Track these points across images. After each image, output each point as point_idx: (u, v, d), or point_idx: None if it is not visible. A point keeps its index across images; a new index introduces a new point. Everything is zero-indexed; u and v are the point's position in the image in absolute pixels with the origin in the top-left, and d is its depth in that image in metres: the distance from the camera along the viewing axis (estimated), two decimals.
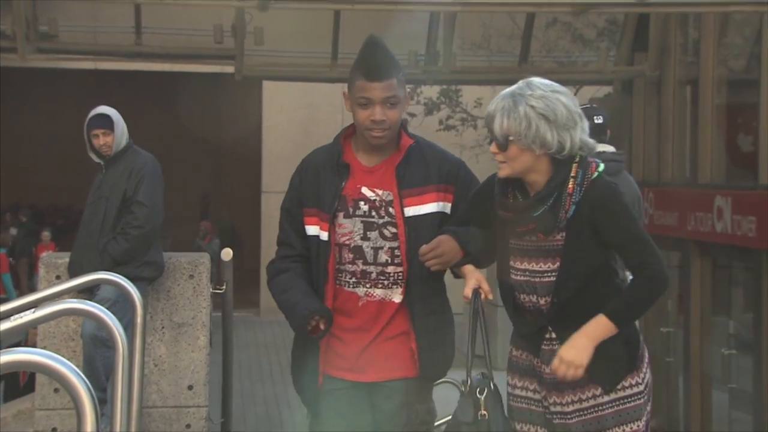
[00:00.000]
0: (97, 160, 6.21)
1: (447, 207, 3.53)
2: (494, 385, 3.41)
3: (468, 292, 3.40)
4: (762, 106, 10.10)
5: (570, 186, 3.21)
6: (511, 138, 3.21)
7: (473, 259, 3.46)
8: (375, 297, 3.51)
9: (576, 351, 3.17)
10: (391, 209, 3.50)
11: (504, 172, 3.26)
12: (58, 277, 6.06)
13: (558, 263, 3.23)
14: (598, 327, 3.18)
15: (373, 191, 3.52)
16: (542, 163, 3.24)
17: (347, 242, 3.53)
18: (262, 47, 12.00)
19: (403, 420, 3.46)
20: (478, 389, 3.35)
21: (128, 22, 12.12)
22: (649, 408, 3.34)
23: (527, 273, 3.29)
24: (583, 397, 3.28)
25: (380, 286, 3.51)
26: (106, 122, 6.14)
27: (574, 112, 3.26)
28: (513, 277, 3.33)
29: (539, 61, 13.92)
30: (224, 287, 6.51)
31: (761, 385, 9.91)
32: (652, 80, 12.15)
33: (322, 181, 3.58)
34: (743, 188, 10.40)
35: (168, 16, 12.98)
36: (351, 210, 3.53)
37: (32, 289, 14.70)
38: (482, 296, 3.39)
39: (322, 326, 3.46)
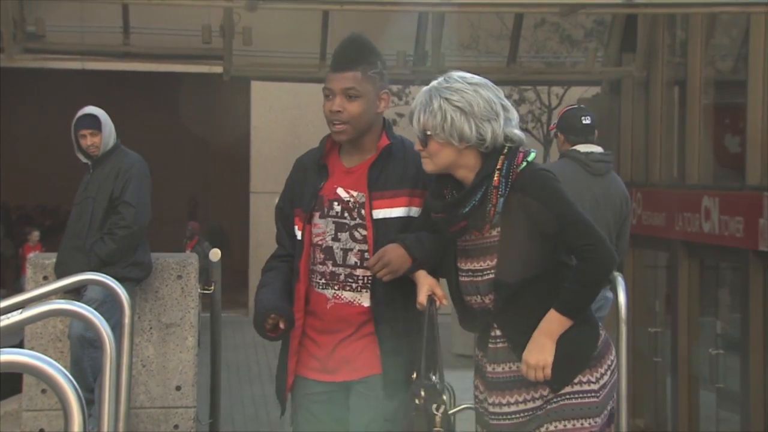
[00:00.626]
0: (84, 160, 6.20)
1: (416, 212, 3.45)
2: (450, 391, 3.34)
3: (422, 299, 3.31)
4: (749, 106, 10.13)
5: (495, 179, 3.16)
6: (428, 132, 3.20)
7: (424, 265, 3.37)
8: (343, 299, 3.47)
9: (538, 352, 3.12)
10: (363, 211, 3.46)
11: (428, 167, 3.24)
12: (45, 278, 6.05)
13: (495, 259, 3.18)
14: (552, 323, 3.11)
15: (348, 192, 3.50)
16: (469, 157, 3.20)
17: (320, 242, 3.51)
18: (251, 47, 11.99)
19: (370, 416, 3.43)
20: (434, 405, 3.26)
21: (116, 22, 12.10)
22: (605, 413, 3.18)
23: (469, 273, 3.25)
24: (528, 397, 3.19)
25: (348, 288, 3.46)
26: (93, 122, 6.14)
27: (495, 103, 3.20)
28: (459, 278, 3.29)
29: (527, 61, 13.93)
30: (212, 288, 6.50)
31: (749, 385, 9.94)
32: (639, 81, 12.18)
33: (307, 181, 3.58)
34: (731, 189, 10.43)
35: (156, 16, 12.95)
36: (326, 210, 3.52)
37: (19, 290, 14.67)
38: (437, 302, 3.32)
39: (281, 326, 3.45)
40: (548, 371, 3.12)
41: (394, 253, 3.35)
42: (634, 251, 11.74)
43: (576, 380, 3.16)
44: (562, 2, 10.16)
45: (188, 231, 18.95)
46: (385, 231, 3.41)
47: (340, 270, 3.47)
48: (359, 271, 3.46)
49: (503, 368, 3.23)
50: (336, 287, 3.48)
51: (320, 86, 3.59)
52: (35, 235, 19.92)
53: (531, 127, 18.94)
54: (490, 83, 3.26)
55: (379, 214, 3.44)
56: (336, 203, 3.50)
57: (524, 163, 3.19)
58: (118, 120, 6.27)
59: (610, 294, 5.98)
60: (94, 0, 11.27)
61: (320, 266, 3.50)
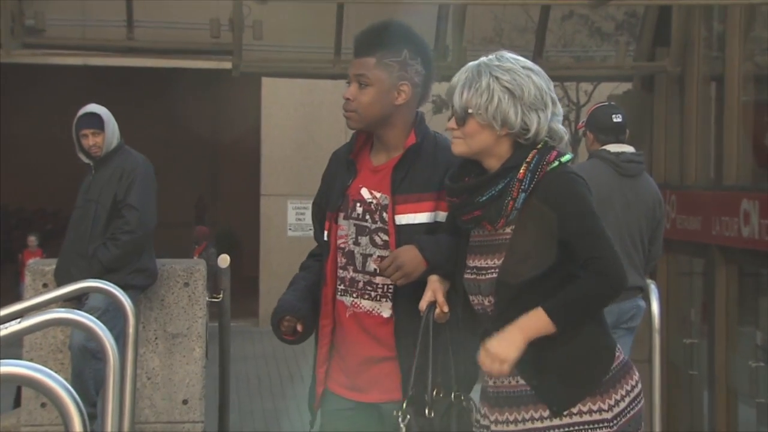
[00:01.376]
0: (86, 161, 6.22)
1: (443, 217, 3.37)
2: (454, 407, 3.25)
3: (422, 304, 3.23)
4: None
5: (521, 171, 3.08)
6: (470, 111, 3.11)
7: (439, 269, 3.28)
8: (361, 308, 3.43)
9: (503, 343, 2.98)
10: (385, 215, 3.41)
11: (459, 148, 3.16)
12: (45, 285, 6.07)
13: (502, 258, 3.09)
14: (532, 320, 2.97)
15: (371, 193, 3.45)
16: (503, 146, 3.13)
17: (343, 245, 3.48)
18: (261, 42, 12.01)
19: None
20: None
21: (119, 15, 12.14)
22: None
23: (474, 270, 3.16)
24: (527, 416, 3.06)
25: (367, 297, 3.42)
26: (95, 121, 6.16)
27: (546, 93, 3.14)
28: (464, 276, 3.20)
29: (555, 56, 13.93)
30: (221, 296, 6.51)
31: None
32: (674, 76, 12.14)
33: (337, 177, 3.55)
34: None
35: (161, 10, 13.01)
36: (349, 211, 3.48)
37: (18, 298, 14.72)
38: (437, 310, 3.23)
39: (298, 328, 3.44)
40: (506, 368, 2.98)
41: (408, 255, 3.29)
42: (668, 257, 11.70)
43: (586, 408, 3.01)
44: None
45: (195, 236, 19.01)
46: (408, 238, 3.35)
47: (360, 276, 3.44)
48: (379, 279, 3.41)
49: (503, 382, 3.12)
50: (354, 295, 3.45)
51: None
52: (33, 240, 19.98)
53: None
54: (542, 71, 3.19)
55: (402, 219, 3.39)
56: (359, 204, 3.46)
57: (556, 162, 3.10)
58: (121, 119, 6.29)
59: (642, 303, 5.97)
60: None
61: (341, 271, 3.47)
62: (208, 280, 6.34)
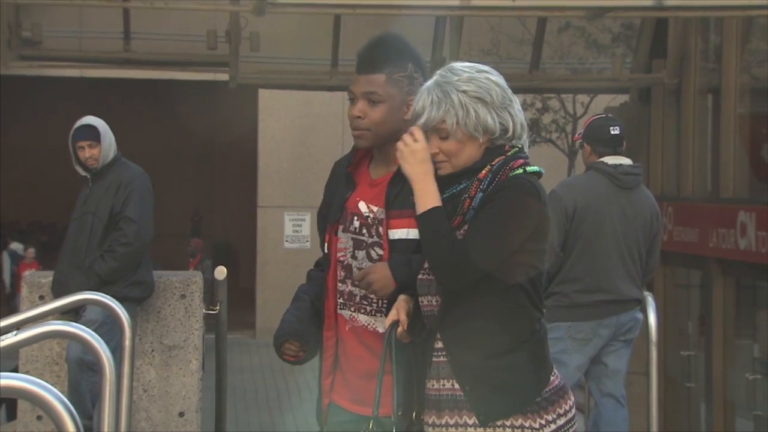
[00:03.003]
0: (83, 173, 6.22)
1: None
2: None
3: (386, 322, 3.22)
4: None
5: (483, 172, 3.12)
6: (448, 130, 3.13)
7: (408, 289, 3.28)
8: (358, 323, 3.43)
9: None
10: (381, 229, 3.41)
11: (446, 170, 3.17)
12: (41, 298, 6.06)
13: None
14: (428, 193, 3.12)
15: (369, 207, 3.45)
16: (480, 153, 3.16)
17: (342, 258, 3.48)
18: (258, 53, 12.01)
19: None
20: None
21: (116, 27, 12.15)
22: None
23: (426, 270, 3.18)
24: (460, 421, 3.10)
25: (363, 311, 3.42)
26: (92, 133, 6.15)
27: (506, 89, 3.19)
28: (418, 278, 3.22)
29: (551, 67, 13.94)
30: (218, 308, 6.50)
31: None
32: (671, 88, 12.15)
33: (337, 188, 3.56)
34: None
35: (158, 21, 13.01)
36: (348, 224, 3.49)
37: (14, 310, 14.71)
38: (399, 329, 3.20)
39: (301, 353, 3.44)
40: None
41: (379, 274, 3.31)
42: (665, 269, 11.70)
43: (518, 423, 3.03)
44: (588, 5, 10.16)
45: (190, 248, 19.00)
46: (401, 252, 3.35)
47: (357, 291, 3.43)
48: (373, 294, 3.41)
49: (443, 384, 3.14)
50: (352, 308, 3.45)
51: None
52: (30, 252, 19.96)
53: (555, 137, 18.96)
54: (493, 69, 3.24)
55: (396, 234, 3.39)
56: (356, 218, 3.47)
57: (520, 170, 3.13)
58: (118, 131, 6.29)
59: (640, 315, 5.97)
60: (93, 4, 11.31)
61: (341, 284, 3.47)
62: (204, 292, 6.33)
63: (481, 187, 3.10)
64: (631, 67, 12.67)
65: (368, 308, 3.43)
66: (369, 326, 3.42)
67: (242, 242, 22.47)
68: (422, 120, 3.16)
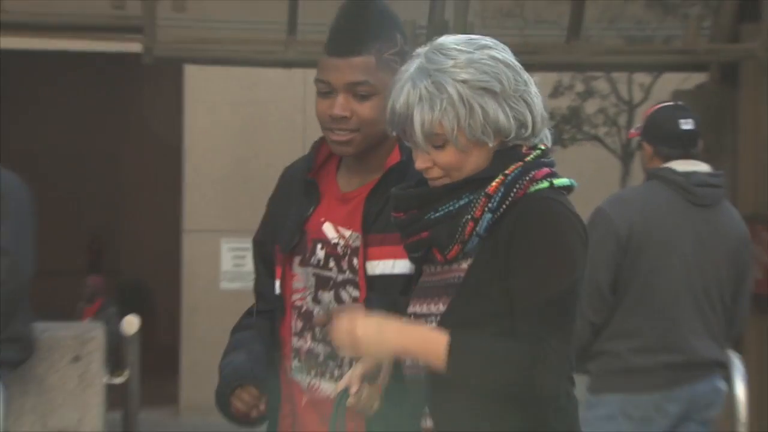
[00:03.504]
0: None
1: None
2: None
3: (339, 385, 3.26)
4: None
5: (493, 185, 3.13)
6: (446, 137, 3.14)
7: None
8: (320, 393, 3.46)
9: (378, 334, 3.09)
10: (355, 261, 3.44)
11: (441, 183, 3.19)
12: None
13: (447, 304, 3.15)
14: (426, 342, 3.07)
15: (338, 231, 3.48)
16: (486, 160, 3.20)
17: (299, 303, 3.50)
18: (184, 15, 12.02)
19: None
20: None
21: None
22: None
23: (411, 319, 3.22)
24: None
25: (328, 376, 3.45)
26: None
27: (518, 68, 3.22)
28: None
29: (598, 35, 13.98)
30: (126, 374, 6.50)
31: None
32: (767, 64, 12.21)
33: (291, 203, 3.57)
34: None
35: None
36: (308, 255, 3.51)
37: None
38: (349, 399, 3.24)
39: (261, 407, 3.43)
40: (352, 350, 3.12)
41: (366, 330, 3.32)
42: (759, 320, 11.73)
43: None
44: None
45: (87, 290, 18.90)
46: (380, 294, 3.39)
47: (320, 348, 3.46)
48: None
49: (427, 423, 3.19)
50: (312, 373, 3.47)
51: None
52: None
53: (603, 133, 19.02)
54: (495, 41, 3.27)
55: (377, 267, 3.42)
56: (320, 246, 3.49)
57: (545, 183, 3.15)
58: None
59: (722, 385, 6.00)
60: None
61: (297, 339, 3.49)
62: (107, 352, 6.33)
63: (489, 205, 3.12)
64: (711, 34, 12.71)
65: (336, 372, 3.45)
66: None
67: (161, 281, 22.42)
68: (414, 124, 3.14)
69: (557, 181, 3.17)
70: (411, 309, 3.24)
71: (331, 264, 3.47)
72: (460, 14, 11.86)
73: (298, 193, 3.56)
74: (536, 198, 3.12)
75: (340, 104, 3.42)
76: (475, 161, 3.17)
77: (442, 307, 3.15)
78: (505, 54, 3.21)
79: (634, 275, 5.85)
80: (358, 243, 3.45)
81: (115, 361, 6.93)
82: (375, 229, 3.43)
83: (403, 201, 3.22)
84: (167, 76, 19.02)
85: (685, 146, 6.04)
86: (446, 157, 3.16)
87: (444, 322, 3.12)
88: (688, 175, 5.95)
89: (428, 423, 3.19)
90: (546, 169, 3.18)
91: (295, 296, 3.51)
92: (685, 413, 5.90)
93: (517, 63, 3.22)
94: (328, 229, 3.49)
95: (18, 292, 6.03)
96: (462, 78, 3.14)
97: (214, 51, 13.04)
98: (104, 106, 22.84)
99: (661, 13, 15.30)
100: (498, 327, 3.09)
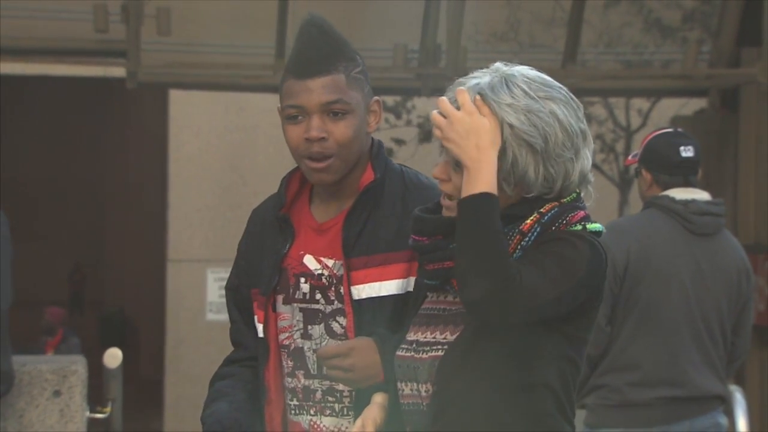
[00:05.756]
0: None
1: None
2: None
3: (355, 429, 3.29)
4: None
5: (528, 222, 3.14)
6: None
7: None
8: (323, 430, 3.47)
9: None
10: (343, 289, 3.45)
11: (451, 211, 3.20)
12: None
13: (458, 332, 3.14)
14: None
15: (320, 261, 3.49)
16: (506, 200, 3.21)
17: (287, 342, 3.51)
18: (169, 39, 12.02)
19: None
20: None
21: None
22: None
23: (413, 346, 3.21)
24: None
25: (329, 412, 3.47)
26: None
27: (576, 131, 3.20)
28: (397, 354, 3.25)
29: (595, 59, 14.00)
30: (109, 409, 6.48)
31: None
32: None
33: (265, 244, 3.57)
34: None
35: None
36: (291, 291, 3.51)
37: None
38: None
39: None
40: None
41: (363, 357, 3.35)
42: (761, 353, 11.72)
43: None
44: None
45: (44, 322, 18.73)
46: (372, 318, 3.40)
47: (316, 384, 3.47)
48: (343, 385, 3.45)
49: None
50: (312, 411, 3.48)
51: (275, 98, 3.59)
52: None
53: (600, 160, 19.02)
54: (563, 90, 3.25)
55: (363, 292, 3.44)
56: (303, 280, 3.49)
57: (579, 226, 3.17)
58: None
59: (724, 420, 5.99)
60: None
61: (290, 380, 3.50)
62: (89, 386, 6.31)
63: (523, 243, 3.13)
64: (711, 58, 12.73)
65: (337, 406, 3.47)
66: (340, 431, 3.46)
67: (145, 312, 22.39)
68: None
69: (590, 226, 3.19)
70: (413, 336, 3.23)
71: (318, 296, 3.48)
72: (452, 38, 11.87)
73: (270, 233, 3.56)
74: (563, 234, 3.15)
75: (316, 126, 3.43)
76: None
77: (449, 336, 3.14)
78: (569, 113, 3.19)
79: (632, 306, 5.85)
80: (341, 271, 3.46)
81: (97, 395, 6.91)
82: (356, 252, 3.45)
83: (429, 225, 3.21)
84: (152, 101, 19.03)
85: (685, 174, 6.05)
86: (460, 181, 3.15)
87: (451, 351, 3.12)
88: (687, 203, 5.95)
89: None
90: (581, 213, 3.20)
91: (282, 336, 3.51)
92: None
93: (578, 126, 3.20)
94: (310, 261, 3.50)
95: None
96: (509, 121, 3.14)
97: (200, 76, 13.04)
98: (87, 132, 22.84)
99: (660, 36, 15.32)
100: (510, 367, 3.10)
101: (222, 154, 19.70)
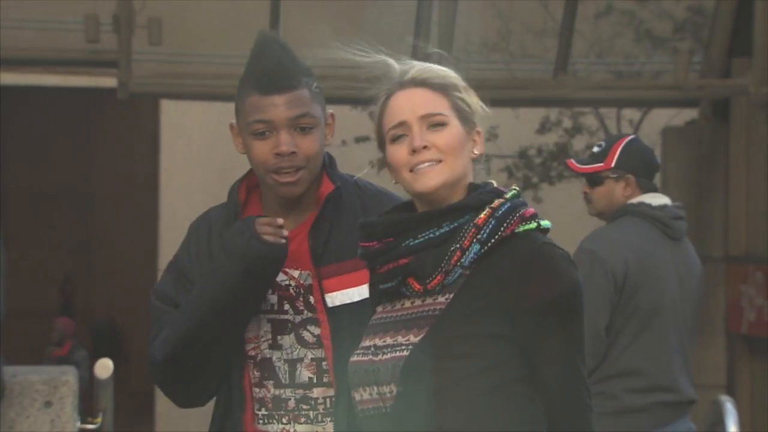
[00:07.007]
0: None
1: None
2: None
3: None
4: None
5: (482, 216, 3.13)
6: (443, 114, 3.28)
7: None
8: None
9: None
10: (311, 299, 3.49)
11: (440, 176, 3.19)
12: None
13: (422, 335, 3.11)
14: None
15: (285, 273, 3.50)
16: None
17: (253, 353, 3.52)
18: (160, 49, 12.03)
19: None
20: None
21: None
22: None
23: (370, 350, 3.19)
24: None
25: (303, 420, 3.49)
26: None
27: None
28: (351, 361, 3.23)
29: (586, 69, 14.03)
30: (100, 420, 6.48)
31: None
32: (759, 101, 12.23)
33: (215, 258, 3.56)
34: None
35: (12, 3, 13.03)
36: None
37: None
38: None
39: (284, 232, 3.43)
40: None
41: None
42: (752, 362, 11.73)
43: None
44: None
45: (56, 333, 18.78)
46: (350, 323, 3.42)
47: (288, 393, 3.49)
48: (317, 392, 3.49)
49: None
50: (284, 420, 3.50)
51: None
52: None
53: None
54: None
55: (336, 299, 3.47)
56: (270, 291, 3.50)
57: (533, 223, 3.16)
58: None
59: (692, 425, 6.03)
60: None
61: (258, 390, 3.51)
62: (80, 397, 6.31)
63: (479, 236, 3.12)
64: (702, 69, 12.75)
65: (311, 414, 3.49)
66: None
67: (135, 323, 22.37)
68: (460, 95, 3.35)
69: (543, 223, 3.18)
70: (368, 342, 3.20)
71: (287, 307, 3.51)
72: (444, 48, 11.88)
73: (222, 244, 3.56)
74: (534, 243, 3.14)
75: (286, 140, 3.47)
76: (466, 156, 3.23)
77: (413, 338, 3.12)
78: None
79: (631, 314, 5.86)
80: (310, 281, 3.49)
81: (88, 405, 6.92)
82: (325, 261, 3.48)
83: (379, 228, 3.20)
84: (143, 110, 19.02)
85: (653, 178, 6.14)
86: (448, 137, 3.21)
87: (417, 351, 3.10)
88: (663, 208, 6.00)
89: None
90: (531, 210, 3.20)
91: (248, 347, 3.52)
92: None
93: None
94: None
95: None
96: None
97: (191, 86, 13.05)
98: (76, 142, 22.82)
99: (651, 47, 15.35)
100: (471, 366, 3.08)
101: (213, 163, 19.69)
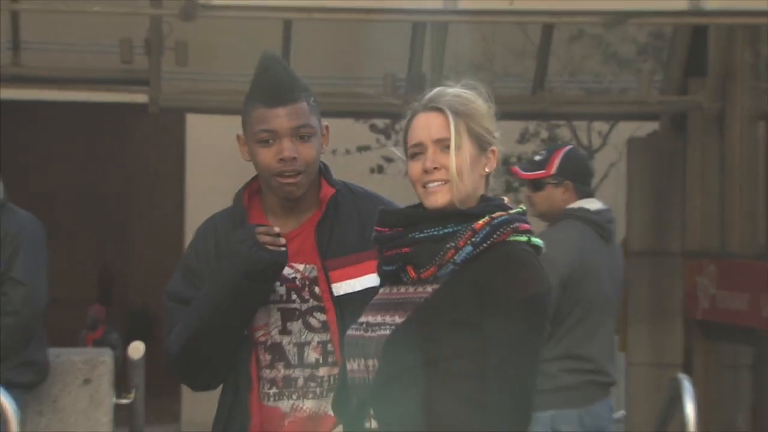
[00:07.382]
0: None
1: None
2: None
3: None
4: None
5: (480, 222, 3.20)
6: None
7: None
8: (305, 412, 3.51)
9: None
10: (317, 289, 3.53)
11: (444, 197, 3.26)
12: None
13: (405, 317, 3.18)
14: None
15: (292, 267, 3.54)
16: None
17: (263, 338, 3.54)
18: (187, 69, 12.02)
19: None
20: None
21: (2, 36, 12.12)
22: None
23: (363, 326, 3.27)
24: None
25: (311, 396, 3.52)
26: None
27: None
28: (347, 334, 3.31)
29: (560, 87, 14.01)
30: (133, 395, 6.48)
31: None
32: (712, 114, 12.21)
33: (220, 262, 3.59)
34: None
35: (57, 28, 13.00)
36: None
37: None
38: None
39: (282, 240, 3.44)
40: None
41: None
42: (705, 346, 11.71)
43: None
44: (607, 9, 10.24)
45: (89, 318, 18.74)
46: (352, 311, 3.45)
47: (297, 372, 3.53)
48: (323, 371, 3.53)
49: None
50: (294, 396, 3.52)
51: None
52: None
53: None
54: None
55: (341, 289, 3.52)
56: (279, 284, 3.55)
57: (524, 237, 3.21)
58: (3, 167, 6.27)
59: (611, 403, 6.13)
60: None
61: (268, 371, 3.54)
62: (115, 375, 6.30)
63: (473, 239, 3.17)
64: (662, 87, 12.74)
65: (317, 390, 3.53)
66: (320, 411, 3.53)
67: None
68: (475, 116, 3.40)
69: (534, 239, 3.24)
70: (363, 319, 3.28)
71: (293, 296, 3.56)
72: (436, 68, 11.90)
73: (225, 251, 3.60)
74: (516, 249, 3.19)
75: (289, 147, 3.54)
76: (475, 177, 3.28)
77: (398, 319, 3.19)
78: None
79: (573, 306, 5.97)
80: (314, 273, 3.55)
81: (122, 383, 6.91)
82: (330, 255, 3.54)
83: (393, 217, 3.30)
84: (171, 125, 19.02)
85: (589, 184, 6.20)
86: (461, 159, 3.26)
87: (397, 331, 3.16)
88: (600, 212, 6.06)
89: (372, 424, 3.21)
90: (527, 226, 3.26)
91: (258, 333, 3.56)
92: (596, 427, 6.00)
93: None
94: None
95: (32, 320, 6.00)
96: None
97: (214, 101, 13.05)
98: (114, 151, 22.83)
99: (617, 67, 15.34)
100: (444, 350, 3.12)
101: (232, 169, 19.63)
